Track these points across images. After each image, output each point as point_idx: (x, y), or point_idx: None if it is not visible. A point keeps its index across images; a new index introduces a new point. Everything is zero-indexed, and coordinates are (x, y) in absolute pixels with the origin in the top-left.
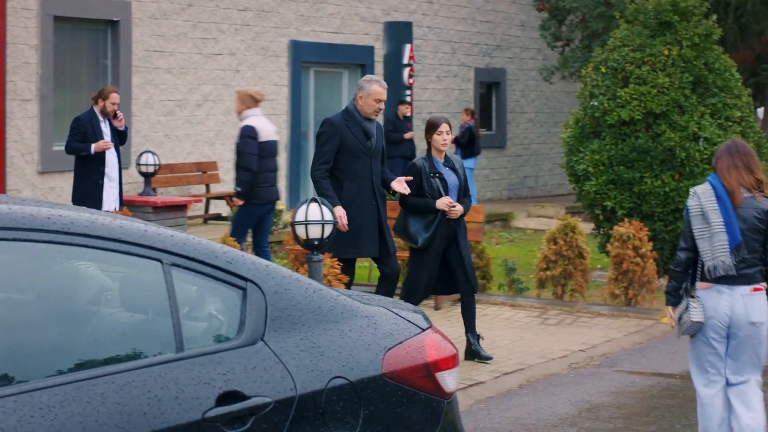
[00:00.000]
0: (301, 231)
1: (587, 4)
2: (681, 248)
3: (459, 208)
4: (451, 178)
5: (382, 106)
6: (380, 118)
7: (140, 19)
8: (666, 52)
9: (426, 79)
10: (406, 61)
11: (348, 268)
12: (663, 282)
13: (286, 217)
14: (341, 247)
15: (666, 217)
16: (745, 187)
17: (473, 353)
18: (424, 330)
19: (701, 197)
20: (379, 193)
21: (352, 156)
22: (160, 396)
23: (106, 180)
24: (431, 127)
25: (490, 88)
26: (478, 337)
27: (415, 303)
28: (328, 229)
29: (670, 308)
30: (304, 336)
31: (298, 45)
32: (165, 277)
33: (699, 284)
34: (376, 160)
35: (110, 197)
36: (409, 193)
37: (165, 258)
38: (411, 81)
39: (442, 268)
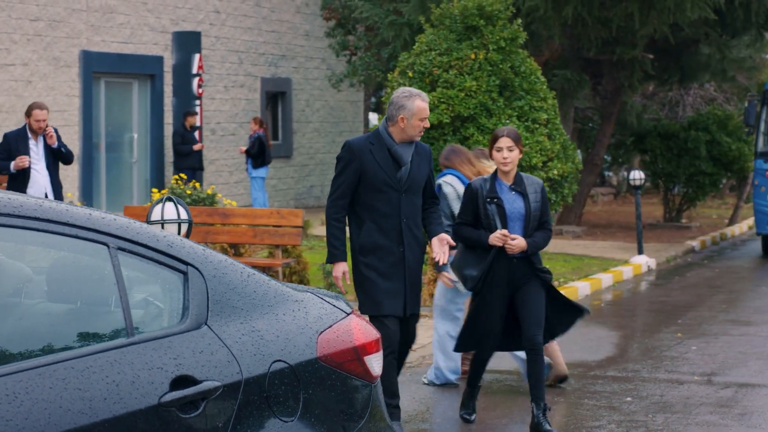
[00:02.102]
0: None
1: (378, 13)
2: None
3: (519, 243)
4: (515, 205)
5: (427, 124)
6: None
7: None
8: (473, 56)
9: (214, 89)
10: (195, 71)
11: (381, 326)
12: None
13: None
14: (361, 299)
15: None
16: (474, 175)
17: (536, 428)
18: (348, 314)
19: (454, 186)
20: (410, 238)
21: (375, 190)
22: (117, 381)
23: None
24: (492, 141)
25: (276, 98)
26: (545, 408)
27: (467, 351)
28: (185, 228)
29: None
30: (243, 320)
31: (89, 55)
32: (112, 261)
33: None
34: (410, 196)
35: None
36: (463, 222)
37: (111, 242)
38: (200, 91)
39: (510, 318)
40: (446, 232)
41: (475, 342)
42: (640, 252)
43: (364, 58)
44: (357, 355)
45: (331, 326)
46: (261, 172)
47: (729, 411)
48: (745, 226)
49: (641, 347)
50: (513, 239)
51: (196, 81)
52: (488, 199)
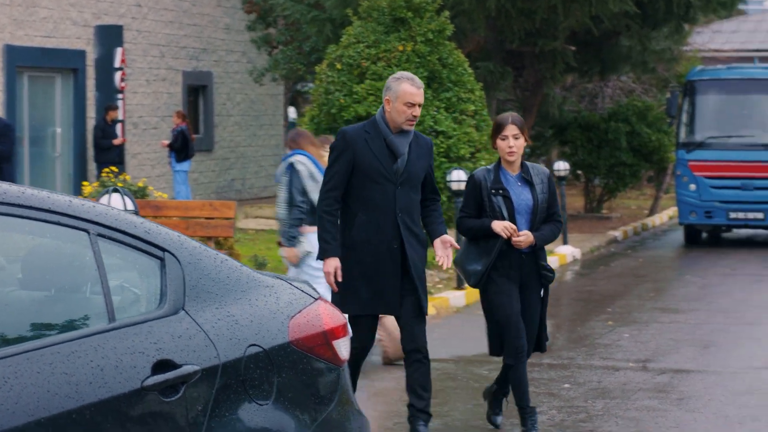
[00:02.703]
0: None
1: (299, 9)
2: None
3: (526, 237)
4: (522, 197)
5: (417, 112)
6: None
7: None
8: (401, 48)
9: (136, 83)
10: (117, 64)
11: (357, 328)
12: None
13: None
14: (340, 297)
15: None
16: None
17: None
18: (316, 300)
19: (306, 165)
20: (407, 234)
21: (369, 180)
22: (102, 365)
23: None
24: (495, 130)
25: (197, 92)
26: (502, 401)
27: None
28: None
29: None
30: (218, 305)
31: (12, 49)
32: (93, 247)
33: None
34: (407, 189)
35: None
36: (466, 216)
37: (91, 228)
38: (123, 85)
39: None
40: (441, 231)
41: (502, 336)
42: (565, 242)
43: (286, 51)
44: (326, 340)
45: (301, 311)
46: (184, 165)
47: (667, 396)
48: (665, 216)
49: (574, 335)
50: (519, 235)
51: (118, 75)
52: (493, 191)
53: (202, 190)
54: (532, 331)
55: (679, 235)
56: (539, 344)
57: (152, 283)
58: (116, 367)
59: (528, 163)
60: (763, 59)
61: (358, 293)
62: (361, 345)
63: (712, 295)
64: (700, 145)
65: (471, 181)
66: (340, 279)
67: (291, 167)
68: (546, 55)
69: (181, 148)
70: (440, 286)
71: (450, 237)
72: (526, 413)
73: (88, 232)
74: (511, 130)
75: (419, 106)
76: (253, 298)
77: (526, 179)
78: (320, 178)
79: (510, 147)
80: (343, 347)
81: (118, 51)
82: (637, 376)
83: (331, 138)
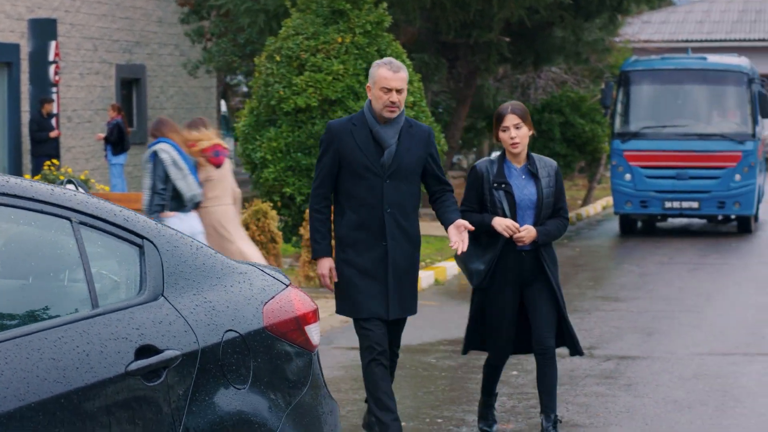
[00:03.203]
0: None
1: (234, 0)
2: None
3: (527, 232)
4: (525, 191)
5: (395, 98)
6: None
7: None
8: (339, 40)
9: (70, 77)
10: (51, 58)
11: (361, 330)
12: None
13: None
14: (338, 301)
15: None
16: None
17: None
18: (287, 285)
19: (169, 152)
20: (395, 231)
21: (355, 175)
22: (87, 351)
23: None
24: (495, 121)
25: (130, 85)
26: (555, 421)
27: (474, 349)
28: None
29: None
30: (195, 291)
31: None
32: (75, 234)
33: None
34: (397, 182)
35: None
36: (467, 210)
37: (73, 216)
38: (57, 78)
39: (522, 319)
40: (454, 218)
41: (480, 341)
42: None
43: (220, 44)
44: (298, 325)
45: (273, 297)
46: (120, 158)
47: (615, 382)
48: (599, 206)
49: None
50: (521, 230)
51: (52, 68)
52: (495, 185)
53: (137, 183)
54: (550, 317)
55: (614, 225)
56: (573, 346)
57: (132, 269)
58: (101, 353)
59: (535, 155)
60: (694, 50)
61: (350, 295)
62: (370, 345)
63: (651, 284)
64: (635, 135)
65: (472, 173)
66: (336, 279)
67: (154, 155)
68: (480, 46)
69: (117, 141)
70: None
71: (464, 221)
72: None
73: (70, 221)
74: (511, 120)
75: (397, 91)
76: (228, 285)
77: (531, 172)
78: (184, 165)
79: (512, 138)
80: (314, 332)
81: (52, 44)
82: (584, 363)
83: (205, 120)
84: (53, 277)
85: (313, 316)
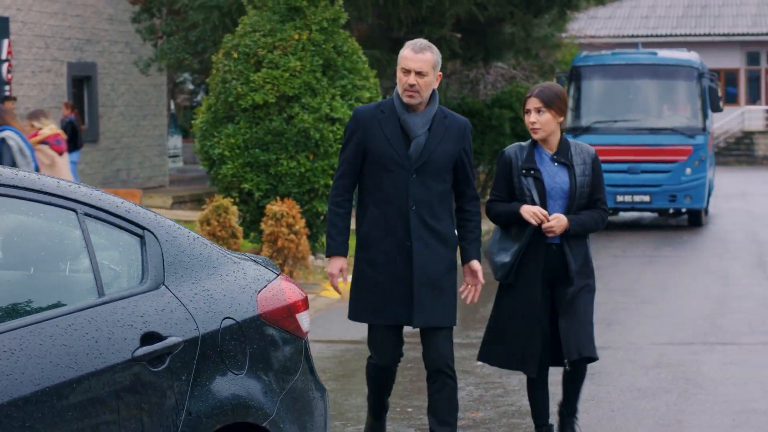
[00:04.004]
0: None
1: None
2: None
3: (557, 221)
4: (557, 179)
5: (413, 80)
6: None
7: None
8: (296, 37)
9: (22, 75)
10: (4, 56)
11: (372, 340)
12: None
13: None
14: (352, 305)
15: (302, 197)
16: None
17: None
18: (278, 275)
19: (15, 140)
20: (422, 230)
21: (380, 168)
22: (96, 337)
23: None
24: (522, 104)
25: (82, 83)
26: (574, 418)
27: (492, 363)
28: None
29: None
30: (194, 280)
31: None
32: (81, 225)
33: None
34: (425, 177)
35: None
36: (497, 198)
37: (79, 208)
38: (9, 77)
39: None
40: (473, 256)
41: (500, 358)
42: None
43: (172, 41)
44: (290, 313)
45: (266, 286)
46: (74, 156)
47: None
48: None
49: (478, 316)
50: (550, 219)
51: (5, 66)
52: (524, 171)
53: (89, 180)
54: (585, 322)
55: None
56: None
57: (134, 259)
58: (109, 339)
59: (571, 140)
60: (646, 46)
61: (368, 299)
62: (380, 361)
63: (607, 276)
64: (587, 130)
65: (501, 159)
66: (346, 281)
67: (2, 142)
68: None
69: (71, 138)
70: None
71: (479, 267)
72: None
73: (76, 212)
74: (533, 103)
75: (417, 74)
76: (224, 274)
77: (561, 160)
78: (28, 153)
79: (532, 123)
80: (304, 320)
81: (5, 43)
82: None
83: (45, 111)
84: (61, 266)
85: (303, 304)
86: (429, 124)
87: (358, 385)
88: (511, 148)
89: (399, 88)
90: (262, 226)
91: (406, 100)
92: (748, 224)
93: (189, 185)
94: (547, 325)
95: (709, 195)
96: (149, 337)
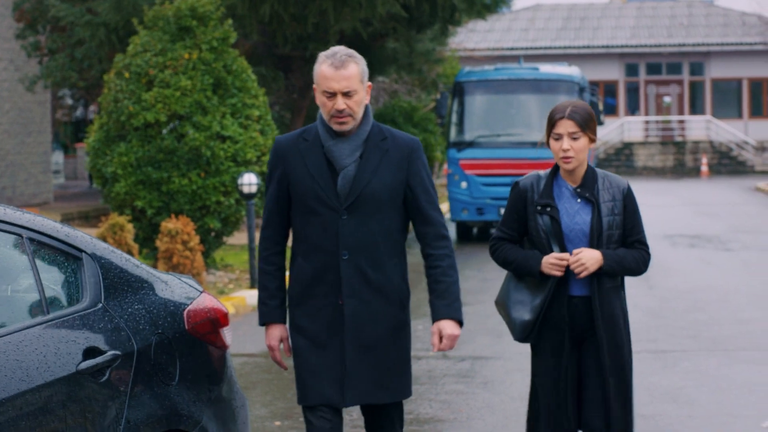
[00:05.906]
0: None
1: (73, 12)
2: None
3: (587, 257)
4: (577, 219)
5: (342, 105)
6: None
7: None
8: (187, 56)
9: None
10: None
11: (308, 424)
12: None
13: None
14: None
15: (194, 213)
16: None
17: None
18: (201, 292)
19: None
20: (357, 283)
21: (306, 210)
22: (44, 352)
23: None
24: (548, 125)
25: None
26: None
27: None
28: None
29: None
30: (129, 298)
31: None
32: (27, 249)
33: None
34: (360, 217)
35: None
36: (504, 237)
37: (24, 233)
38: None
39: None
40: (443, 313)
41: (547, 424)
42: None
43: (58, 59)
44: (214, 327)
45: (192, 302)
46: None
47: (472, 380)
48: None
49: None
50: (574, 260)
51: None
52: (539, 207)
53: None
54: (590, 403)
55: (452, 232)
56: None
57: (75, 280)
58: (56, 354)
59: (600, 171)
60: (523, 58)
61: (299, 374)
62: None
63: (494, 288)
64: (471, 144)
65: (514, 191)
66: (288, 353)
67: None
68: (315, 58)
69: None
70: (231, 286)
71: (453, 329)
72: None
73: (21, 237)
74: (566, 126)
75: (344, 95)
76: (154, 292)
77: (584, 196)
78: None
79: (565, 151)
80: (227, 334)
81: None
82: (440, 363)
83: None
84: (10, 287)
85: (224, 318)
86: (360, 150)
87: (259, 396)
88: (527, 178)
89: (324, 114)
90: (157, 243)
91: (336, 128)
92: None
93: (74, 201)
94: (573, 392)
95: None
96: (91, 352)
